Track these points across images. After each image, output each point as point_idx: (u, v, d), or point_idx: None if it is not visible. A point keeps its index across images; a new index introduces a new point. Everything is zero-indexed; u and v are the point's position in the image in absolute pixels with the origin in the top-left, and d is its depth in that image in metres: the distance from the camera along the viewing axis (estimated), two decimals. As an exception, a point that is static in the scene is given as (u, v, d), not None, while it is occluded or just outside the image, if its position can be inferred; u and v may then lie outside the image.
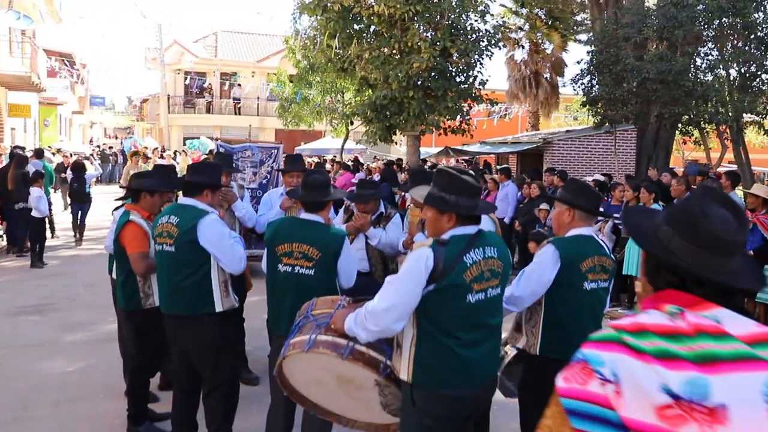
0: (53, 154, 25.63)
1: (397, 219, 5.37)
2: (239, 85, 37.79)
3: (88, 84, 49.01)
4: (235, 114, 39.62)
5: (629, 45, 14.25)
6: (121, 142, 39.87)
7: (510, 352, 3.66)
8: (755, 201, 7.78)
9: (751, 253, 7.71)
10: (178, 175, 5.75)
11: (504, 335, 3.89)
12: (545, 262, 3.44)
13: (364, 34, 15.88)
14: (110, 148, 35.97)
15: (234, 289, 4.32)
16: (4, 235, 12.72)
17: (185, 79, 36.59)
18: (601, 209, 3.93)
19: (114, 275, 4.84)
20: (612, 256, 3.65)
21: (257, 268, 10.95)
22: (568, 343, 3.42)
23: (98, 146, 38.84)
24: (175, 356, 4.33)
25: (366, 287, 4.55)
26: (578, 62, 15.23)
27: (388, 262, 5.48)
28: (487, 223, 4.34)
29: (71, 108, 40.12)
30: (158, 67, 36.24)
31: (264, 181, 10.46)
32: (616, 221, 9.28)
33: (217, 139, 12.63)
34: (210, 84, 38.17)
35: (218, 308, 4.15)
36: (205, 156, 21.99)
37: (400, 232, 5.31)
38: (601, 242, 3.62)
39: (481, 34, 15.77)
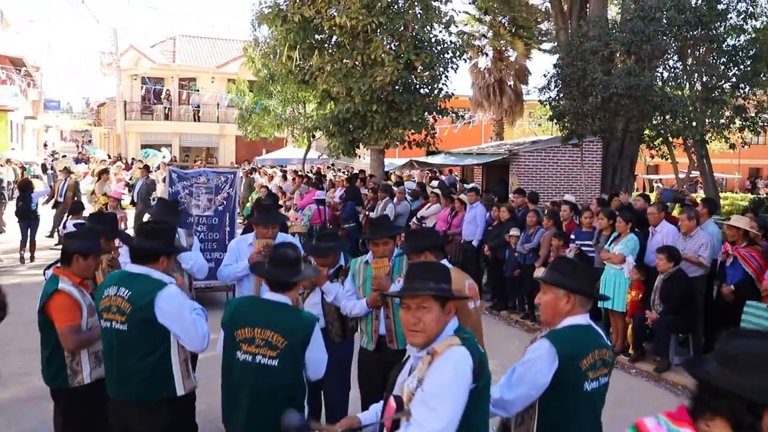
0: (1, 165, 24.62)
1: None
2: (197, 91, 36.91)
3: (42, 88, 47.58)
4: (195, 121, 38.71)
5: (596, 59, 13.98)
6: (78, 147, 38.70)
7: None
8: (736, 233, 7.48)
9: (732, 287, 7.42)
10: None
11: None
12: (540, 362, 2.94)
13: (326, 46, 15.37)
14: (64, 156, 34.73)
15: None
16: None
17: (142, 87, 35.53)
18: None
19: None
20: (610, 344, 3.20)
21: (214, 299, 10.30)
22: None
23: (53, 153, 37.54)
24: None
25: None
26: (545, 75, 14.87)
27: (346, 320, 4.99)
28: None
29: (23, 113, 38.78)
30: (114, 72, 35.16)
31: (220, 208, 9.89)
32: (585, 248, 8.92)
33: (169, 164, 12.04)
34: (168, 90, 37.18)
35: (179, 392, 3.62)
36: (156, 168, 21.29)
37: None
38: (599, 330, 3.17)
39: (445, 45, 15.37)
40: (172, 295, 3.57)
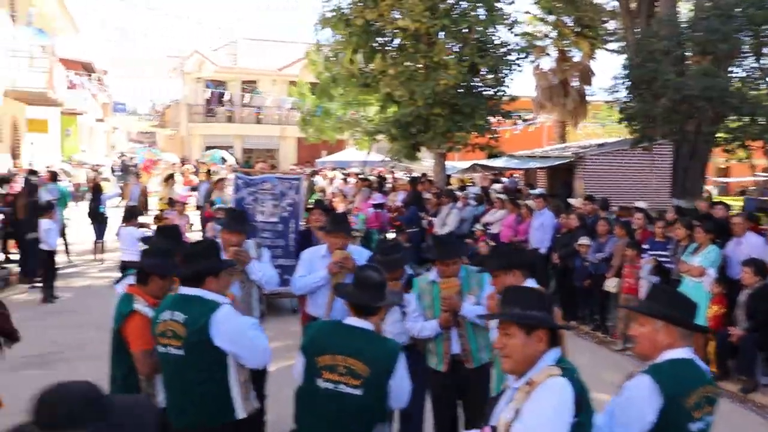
0: (74, 166, 25.41)
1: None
2: (259, 93, 37.38)
3: (110, 91, 49.04)
4: (257, 123, 39.24)
5: (668, 59, 13.45)
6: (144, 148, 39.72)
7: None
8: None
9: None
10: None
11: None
12: (640, 400, 2.70)
13: (388, 49, 15.27)
14: (131, 159, 35.69)
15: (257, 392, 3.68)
16: (19, 265, 12.28)
17: (204, 90, 36.20)
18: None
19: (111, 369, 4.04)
20: (713, 380, 2.94)
21: (279, 305, 10.25)
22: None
23: (120, 155, 38.63)
24: None
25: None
26: (615, 77, 14.40)
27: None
28: None
29: (93, 116, 40.00)
30: (179, 75, 35.90)
31: (285, 214, 9.87)
32: (662, 260, 8.54)
33: (235, 170, 12.16)
34: (231, 93, 37.80)
35: (239, 415, 3.50)
36: (220, 168, 21.54)
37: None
38: (702, 365, 2.92)
39: (509, 47, 15.08)
40: (227, 315, 3.45)
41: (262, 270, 5.12)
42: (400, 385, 3.28)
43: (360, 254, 5.31)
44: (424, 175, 17.91)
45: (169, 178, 14.98)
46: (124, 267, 9.61)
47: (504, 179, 22.81)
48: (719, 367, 7.55)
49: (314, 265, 5.25)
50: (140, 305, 3.83)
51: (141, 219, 11.08)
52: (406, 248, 5.45)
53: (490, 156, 20.01)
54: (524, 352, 2.56)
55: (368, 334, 3.31)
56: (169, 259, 4.03)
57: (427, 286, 4.66)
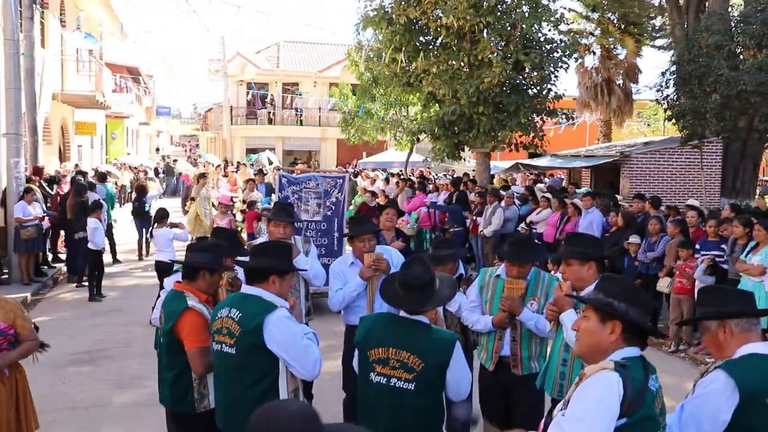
0: (119, 168, 25.88)
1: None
2: (300, 95, 37.59)
3: (154, 94, 49.94)
4: (298, 125, 39.46)
5: (721, 54, 13.06)
6: (186, 151, 40.29)
7: None
8: None
9: None
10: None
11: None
12: (716, 397, 2.56)
13: (431, 47, 15.13)
14: (175, 161, 36.23)
15: (304, 392, 3.56)
16: (66, 264, 12.49)
17: (247, 93, 36.53)
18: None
19: (159, 369, 3.95)
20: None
21: (323, 304, 10.25)
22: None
23: (163, 157, 39.26)
24: None
25: None
26: (662, 73, 14.05)
27: (468, 331, 4.71)
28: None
29: (138, 119, 40.75)
30: (221, 78, 36.30)
31: (329, 213, 9.83)
32: (718, 260, 8.25)
33: (279, 169, 12.20)
34: (272, 95, 38.09)
35: None
36: (266, 169, 21.65)
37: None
38: None
39: (555, 44, 14.81)
40: (282, 319, 3.32)
41: (311, 264, 5.04)
42: (459, 377, 3.17)
43: (389, 253, 5.14)
44: (465, 174, 17.70)
45: (201, 178, 15.07)
46: (159, 267, 9.83)
47: (546, 179, 22.49)
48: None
49: (347, 276, 4.99)
50: (194, 302, 3.74)
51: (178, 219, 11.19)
52: (457, 245, 5.24)
53: (533, 156, 19.75)
54: (592, 338, 2.49)
55: (421, 326, 3.21)
56: (217, 255, 3.96)
57: (491, 279, 4.51)
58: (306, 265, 4.98)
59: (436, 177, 23.52)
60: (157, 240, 10.12)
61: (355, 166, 29.29)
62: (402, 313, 3.25)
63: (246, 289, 3.49)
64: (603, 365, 2.35)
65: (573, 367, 3.87)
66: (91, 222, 10.43)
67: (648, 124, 31.52)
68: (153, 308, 6.91)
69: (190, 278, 3.87)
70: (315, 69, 39.15)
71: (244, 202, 15.18)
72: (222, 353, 3.39)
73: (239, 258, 4.33)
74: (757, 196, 15.22)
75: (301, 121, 39.24)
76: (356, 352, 3.28)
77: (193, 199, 14.83)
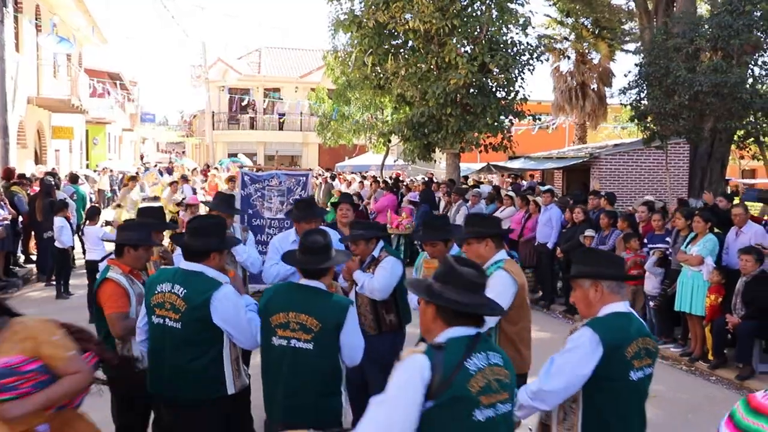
0: (98, 173, 25.95)
1: (387, 263, 4.73)
2: (281, 98, 37.78)
3: (139, 101, 49.94)
4: (279, 130, 39.65)
5: (680, 56, 13.40)
6: (170, 159, 40.38)
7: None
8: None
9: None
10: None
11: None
12: (582, 350, 2.80)
13: (401, 51, 15.41)
14: (155, 166, 36.28)
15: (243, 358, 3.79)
16: (35, 264, 12.62)
17: (229, 99, 36.71)
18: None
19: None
20: (654, 336, 3.03)
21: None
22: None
23: (144, 164, 39.30)
24: None
25: None
26: (626, 75, 14.39)
27: (379, 312, 4.85)
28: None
29: (121, 126, 40.76)
30: (203, 84, 36.47)
31: (284, 215, 10.01)
32: (668, 253, 8.53)
33: (241, 167, 12.40)
34: (253, 100, 38.27)
35: (230, 390, 3.60)
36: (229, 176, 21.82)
37: (390, 280, 4.70)
38: (640, 319, 3.02)
39: (522, 47, 15.12)
40: (228, 295, 3.55)
41: (248, 252, 5.28)
42: (351, 341, 3.39)
43: (333, 235, 5.37)
44: (432, 175, 17.99)
45: (131, 180, 15.38)
46: (91, 267, 9.49)
47: (523, 182, 22.81)
48: (716, 355, 7.55)
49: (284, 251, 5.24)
50: (114, 273, 4.09)
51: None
52: (373, 227, 5.37)
53: (513, 158, 20.01)
54: (425, 322, 2.54)
55: (318, 291, 3.44)
56: (141, 232, 4.27)
57: (422, 261, 4.90)
58: (244, 253, 5.23)
59: (412, 180, 23.78)
60: (87, 238, 10.01)
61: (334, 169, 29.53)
62: (302, 281, 3.49)
63: (186, 265, 3.68)
64: (413, 349, 2.37)
65: None
66: (58, 221, 10.57)
67: (623, 128, 31.93)
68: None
69: (117, 254, 4.23)
70: (296, 74, 39.40)
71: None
72: (165, 326, 3.58)
73: (178, 237, 4.56)
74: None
75: (282, 126, 39.43)
76: (258, 321, 3.50)
77: (119, 206, 14.90)
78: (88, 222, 10.05)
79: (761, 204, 10.45)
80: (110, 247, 6.17)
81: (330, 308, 3.36)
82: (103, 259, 4.62)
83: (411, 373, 2.26)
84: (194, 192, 15.33)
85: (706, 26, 13.21)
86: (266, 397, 3.49)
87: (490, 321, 3.74)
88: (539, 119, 17.36)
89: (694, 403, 6.67)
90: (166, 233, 6.93)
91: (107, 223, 10.48)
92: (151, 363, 3.75)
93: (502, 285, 3.86)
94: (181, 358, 3.53)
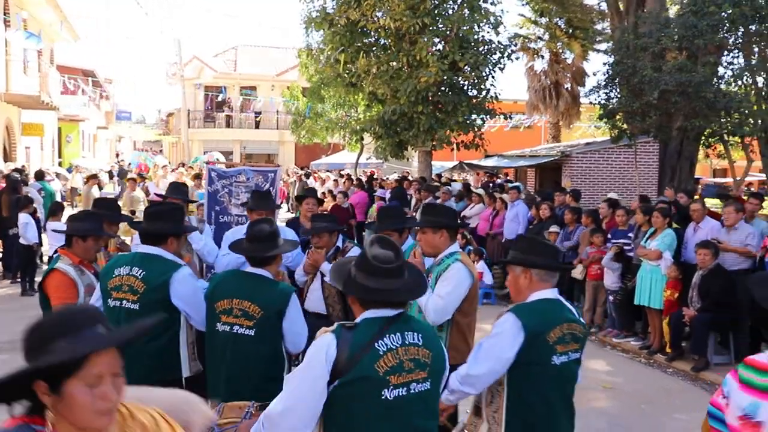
0: (70, 171, 25.72)
1: (354, 253, 4.79)
2: (255, 96, 37.68)
3: (114, 99, 49.44)
4: (255, 128, 39.52)
5: (647, 55, 13.59)
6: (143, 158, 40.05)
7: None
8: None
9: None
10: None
11: (462, 419, 3.40)
12: (505, 335, 2.89)
13: (372, 48, 15.46)
14: (129, 164, 36.01)
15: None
16: (1, 261, 12.49)
17: (205, 97, 36.54)
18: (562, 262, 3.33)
19: None
20: (582, 321, 3.11)
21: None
22: (538, 429, 2.92)
23: (118, 162, 39.00)
24: None
25: None
26: (594, 74, 14.59)
27: (348, 302, 4.94)
28: None
29: (95, 123, 40.38)
30: (178, 82, 36.23)
31: (240, 206, 10.00)
32: (626, 248, 8.68)
33: (208, 163, 12.41)
34: (229, 98, 38.10)
35: (185, 373, 3.67)
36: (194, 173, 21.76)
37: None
38: (569, 305, 3.10)
39: (493, 46, 15.23)
40: (186, 276, 3.65)
41: (204, 241, 5.32)
42: (293, 327, 3.46)
43: (284, 231, 5.42)
44: (408, 173, 18.08)
45: (92, 178, 15.38)
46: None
47: (498, 180, 22.96)
48: (673, 348, 7.69)
49: None
50: (63, 264, 4.10)
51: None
52: (335, 219, 5.45)
53: (488, 156, 20.16)
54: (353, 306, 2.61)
55: (263, 279, 3.50)
56: (91, 223, 4.28)
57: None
58: (200, 242, 5.26)
59: (386, 178, 23.86)
60: (49, 234, 9.84)
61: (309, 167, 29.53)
62: (248, 269, 3.54)
63: (144, 248, 3.77)
64: (325, 329, 2.42)
65: None
66: (22, 217, 10.49)
67: (597, 127, 32.25)
68: None
69: (67, 244, 4.24)
70: (273, 72, 39.27)
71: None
72: (122, 308, 3.63)
73: (136, 224, 4.59)
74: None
75: (258, 124, 39.31)
76: (204, 307, 3.55)
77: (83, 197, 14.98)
78: (51, 218, 9.90)
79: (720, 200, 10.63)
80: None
81: (273, 296, 3.42)
82: (55, 252, 4.61)
83: (317, 350, 2.33)
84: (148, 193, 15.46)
85: (673, 26, 13.40)
86: (209, 382, 3.55)
87: (448, 313, 3.83)
88: (510, 118, 17.49)
89: (649, 394, 6.80)
90: (122, 225, 6.92)
91: None
92: None
93: (459, 277, 3.90)
94: (138, 339, 3.56)
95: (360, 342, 2.34)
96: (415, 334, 2.45)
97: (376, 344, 2.35)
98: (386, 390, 2.33)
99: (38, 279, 10.81)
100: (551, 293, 3.03)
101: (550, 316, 2.95)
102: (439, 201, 13.14)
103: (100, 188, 16.02)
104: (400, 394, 2.36)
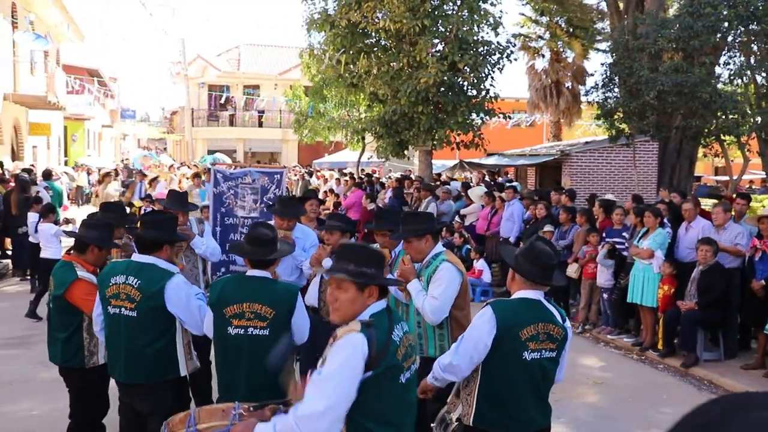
0: (75, 169, 25.99)
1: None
2: (258, 95, 37.89)
3: (119, 97, 49.69)
4: (259, 126, 39.75)
5: (644, 56, 13.79)
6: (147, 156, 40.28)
7: (454, 420, 3.39)
8: (767, 228, 7.33)
9: (762, 282, 7.29)
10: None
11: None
12: (481, 327, 3.18)
13: (373, 50, 15.67)
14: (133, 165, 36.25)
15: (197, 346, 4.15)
16: (11, 259, 12.75)
17: (208, 96, 36.76)
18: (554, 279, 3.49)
19: (49, 330, 4.49)
20: (564, 324, 3.33)
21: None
22: (504, 415, 3.18)
23: (123, 161, 39.26)
24: (126, 423, 4.09)
25: (316, 326, 4.33)
26: (591, 74, 14.76)
27: None
28: None
29: (100, 122, 40.65)
30: (182, 81, 36.48)
31: (266, 210, 10.19)
32: (619, 246, 8.88)
33: (213, 164, 12.60)
34: (232, 96, 38.33)
35: (182, 372, 3.96)
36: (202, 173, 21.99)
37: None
38: (551, 308, 3.32)
39: (492, 47, 15.43)
40: (179, 284, 3.88)
41: (206, 243, 5.55)
42: (301, 321, 3.72)
43: (306, 234, 5.69)
44: (410, 172, 18.28)
45: (106, 176, 15.54)
46: (46, 265, 8.86)
47: (500, 179, 23.13)
48: (666, 345, 7.89)
49: None
50: (83, 272, 4.28)
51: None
52: (350, 221, 5.82)
53: (491, 155, 20.35)
54: (356, 306, 2.69)
55: (267, 281, 3.74)
56: (107, 232, 4.47)
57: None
58: (202, 245, 5.49)
59: (388, 177, 24.07)
60: (41, 235, 9.70)
61: (312, 166, 29.73)
62: (249, 272, 3.76)
63: (139, 257, 3.99)
64: (351, 327, 2.59)
65: (426, 327, 4.39)
66: (31, 216, 10.70)
67: (598, 125, 32.39)
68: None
69: (79, 251, 4.39)
70: (276, 71, 39.47)
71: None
72: (120, 316, 3.86)
73: (133, 230, 4.82)
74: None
75: (262, 123, 39.54)
76: (210, 314, 3.74)
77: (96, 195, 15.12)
78: (41, 219, 9.71)
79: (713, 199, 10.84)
80: (68, 243, 6.26)
81: (281, 295, 3.67)
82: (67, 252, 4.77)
83: (353, 350, 2.52)
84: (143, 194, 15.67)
85: (669, 27, 13.58)
86: (225, 383, 3.70)
87: (444, 312, 4.09)
88: (510, 117, 17.65)
89: (637, 388, 7.02)
90: None
91: (66, 222, 10.45)
92: (109, 350, 4.06)
93: (449, 277, 4.15)
94: (138, 343, 3.83)
95: (382, 336, 2.59)
96: (405, 323, 2.83)
97: (393, 336, 2.64)
98: (402, 375, 2.66)
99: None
100: (533, 294, 3.28)
101: (525, 315, 3.20)
102: (438, 200, 13.36)
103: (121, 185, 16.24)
104: (409, 377, 2.71)
